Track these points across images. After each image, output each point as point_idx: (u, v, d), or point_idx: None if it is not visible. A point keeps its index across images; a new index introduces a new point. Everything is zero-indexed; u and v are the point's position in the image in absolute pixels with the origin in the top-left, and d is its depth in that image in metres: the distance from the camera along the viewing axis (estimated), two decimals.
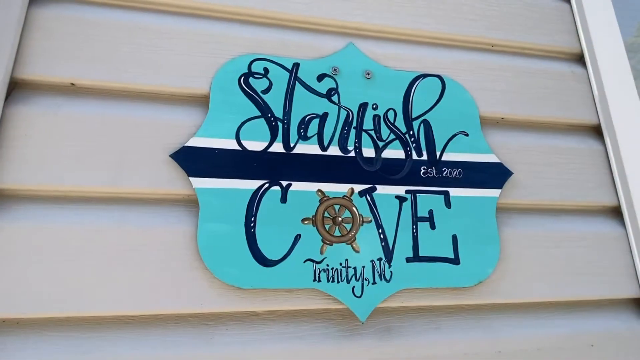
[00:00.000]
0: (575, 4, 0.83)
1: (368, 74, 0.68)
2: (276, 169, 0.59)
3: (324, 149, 0.62)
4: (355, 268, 0.57)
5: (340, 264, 0.56)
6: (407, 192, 0.62)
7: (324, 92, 0.65)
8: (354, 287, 0.56)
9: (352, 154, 0.63)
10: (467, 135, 0.68)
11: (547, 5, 0.82)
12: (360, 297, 0.56)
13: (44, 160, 0.52)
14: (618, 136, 0.73)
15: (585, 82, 0.78)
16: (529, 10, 0.80)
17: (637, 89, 1.07)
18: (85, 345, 0.48)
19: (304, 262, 0.55)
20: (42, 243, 0.50)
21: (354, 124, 0.64)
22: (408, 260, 0.59)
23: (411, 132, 0.66)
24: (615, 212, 0.71)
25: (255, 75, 0.63)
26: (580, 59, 0.81)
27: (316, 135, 0.62)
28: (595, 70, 0.78)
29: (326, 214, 0.59)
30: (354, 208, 0.60)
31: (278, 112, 0.62)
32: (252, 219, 0.56)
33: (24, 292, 0.48)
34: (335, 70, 0.67)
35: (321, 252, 0.56)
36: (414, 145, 0.65)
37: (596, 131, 0.76)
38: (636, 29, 1.36)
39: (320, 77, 0.66)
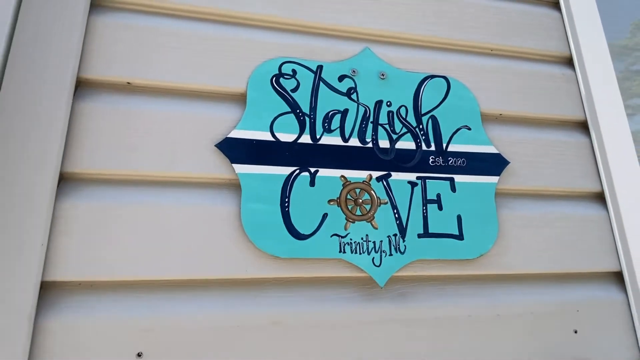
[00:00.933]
0: (565, 13, 0.92)
1: (382, 74, 0.77)
2: (305, 157, 0.68)
3: (345, 140, 0.71)
4: (374, 242, 0.66)
5: (362, 239, 0.66)
6: (417, 178, 0.72)
7: (345, 91, 0.74)
8: (373, 258, 0.65)
9: (370, 145, 0.72)
10: (469, 129, 0.77)
11: (540, 14, 0.91)
12: (379, 266, 0.65)
13: (109, 148, 0.61)
14: (602, 130, 0.83)
15: (574, 83, 0.88)
16: (524, 18, 0.90)
17: (633, 89, 1.16)
18: (149, 305, 0.57)
19: (331, 236, 0.65)
20: (110, 219, 0.58)
21: (371, 119, 0.74)
22: (419, 236, 0.68)
23: (421, 126, 0.75)
24: (599, 197, 0.81)
25: (285, 76, 0.72)
26: (569, 62, 0.90)
27: (338, 129, 0.71)
28: (583, 72, 0.87)
29: (348, 196, 0.68)
30: (372, 191, 0.69)
31: (305, 108, 0.71)
32: (286, 200, 0.65)
33: (96, 259, 0.57)
34: (353, 71, 0.76)
35: (345, 228, 0.66)
36: (423, 137, 0.75)
37: (583, 126, 0.86)
38: (629, 31, 1.45)
39: (341, 78, 0.75)
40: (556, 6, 0.94)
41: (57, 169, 0.57)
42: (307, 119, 0.70)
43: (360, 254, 0.65)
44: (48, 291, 0.55)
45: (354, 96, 0.74)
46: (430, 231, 0.69)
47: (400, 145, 0.73)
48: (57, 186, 0.57)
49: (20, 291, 0.52)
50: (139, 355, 0.54)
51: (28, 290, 0.52)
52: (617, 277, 0.77)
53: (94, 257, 0.56)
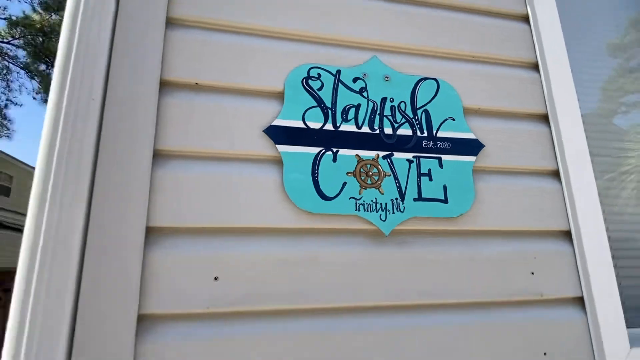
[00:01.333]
0: (532, 27, 1.14)
1: (387, 77, 0.99)
2: (328, 140, 0.90)
3: (358, 127, 0.93)
4: (381, 203, 0.88)
5: (372, 201, 0.88)
6: (413, 157, 0.94)
7: (358, 90, 0.96)
8: (380, 214, 0.87)
9: (377, 131, 0.94)
10: (454, 119, 0.99)
11: (512, 27, 1.13)
12: (384, 221, 0.87)
13: (189, 131, 0.83)
14: (559, 121, 1.05)
15: (538, 84, 1.10)
16: (499, 31, 1.12)
17: (626, 87, 1.36)
18: (222, 244, 0.79)
19: (349, 199, 0.87)
20: (192, 183, 0.80)
21: (378, 111, 0.95)
22: (414, 199, 0.90)
23: (416, 117, 0.97)
24: (555, 174, 1.04)
25: (312, 78, 0.94)
26: (535, 67, 1.12)
27: (353, 119, 0.93)
28: (546, 75, 1.09)
29: (361, 170, 0.90)
30: (379, 166, 0.91)
31: (328, 103, 0.93)
32: (316, 172, 0.87)
33: (185, 207, 0.78)
34: (364, 75, 0.97)
35: (359, 193, 0.88)
36: (418, 126, 0.97)
37: (544, 118, 1.08)
38: (624, 28, 1.62)
39: (355, 80, 0.97)
40: (526, 20, 1.16)
41: (152, 147, 0.79)
42: (330, 111, 0.92)
43: (370, 212, 0.87)
44: (151, 234, 0.77)
45: (364, 94, 0.96)
46: (423, 196, 0.91)
47: (400, 132, 0.95)
48: (153, 159, 0.79)
49: (133, 233, 0.74)
50: (215, 279, 0.76)
51: (138, 232, 0.74)
52: (566, 235, 0.99)
53: (183, 207, 0.78)
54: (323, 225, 0.85)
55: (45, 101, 12.12)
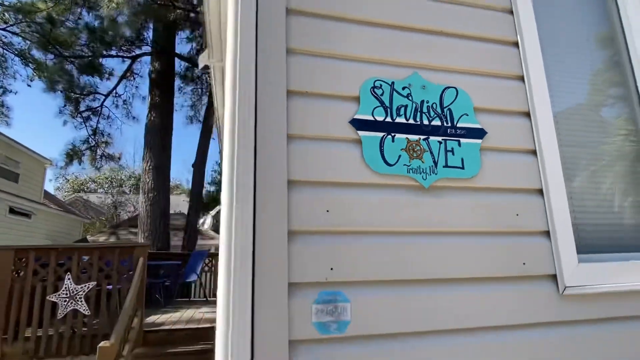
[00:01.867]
0: (521, 50, 1.64)
1: (423, 86, 1.48)
2: (388, 128, 1.40)
3: (407, 120, 1.43)
4: (423, 168, 1.38)
5: (417, 167, 1.38)
6: (442, 139, 1.44)
7: (405, 95, 1.45)
8: (422, 175, 1.37)
9: (419, 123, 1.44)
10: (467, 115, 1.49)
11: (507, 51, 1.63)
12: (425, 179, 1.37)
13: (305, 122, 1.31)
14: (537, 117, 1.56)
15: (523, 91, 1.60)
16: (499, 53, 1.61)
17: (614, 79, 1.85)
18: (334, 190, 1.28)
19: (403, 165, 1.37)
20: (317, 160, 1.29)
21: (419, 110, 1.45)
22: (443, 166, 1.41)
23: (443, 113, 1.47)
24: (533, 152, 1.54)
25: (376, 87, 1.43)
26: (521, 79, 1.62)
27: (403, 114, 1.43)
28: (529, 85, 1.60)
29: (409, 147, 1.40)
30: (421, 145, 1.41)
31: (387, 104, 1.42)
32: (382, 147, 1.36)
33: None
34: (409, 85, 1.47)
35: (409, 162, 1.38)
36: (444, 119, 1.47)
37: (527, 115, 1.59)
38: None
39: (403, 88, 1.46)
40: (516, 45, 1.66)
41: (285, 132, 1.27)
42: (388, 109, 1.42)
43: (416, 174, 1.37)
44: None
45: (410, 98, 1.45)
46: (448, 165, 1.42)
47: (433, 123, 1.45)
48: (287, 143, 1.28)
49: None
50: (327, 210, 1.26)
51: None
52: (539, 192, 1.51)
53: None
54: (387, 182, 1.35)
55: (45, 89, 12.37)
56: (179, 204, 20.95)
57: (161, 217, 10.71)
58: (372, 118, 1.39)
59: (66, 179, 28.19)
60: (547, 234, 1.47)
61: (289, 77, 1.34)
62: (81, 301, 5.26)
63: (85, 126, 12.11)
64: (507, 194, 1.47)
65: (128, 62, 11.69)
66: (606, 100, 1.88)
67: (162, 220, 10.71)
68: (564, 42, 1.84)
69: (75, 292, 5.24)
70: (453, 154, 1.44)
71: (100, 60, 11.11)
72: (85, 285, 5.30)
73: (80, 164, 12.14)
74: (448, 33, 1.58)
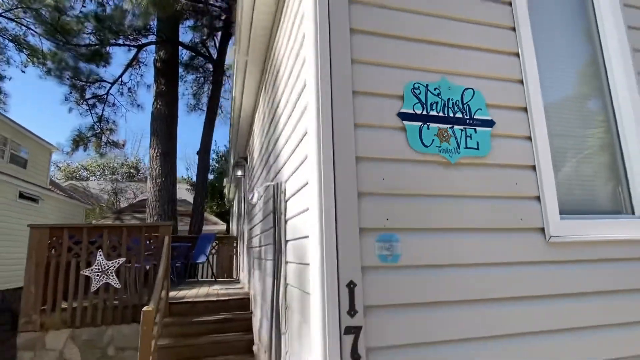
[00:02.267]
0: (520, 59, 2.14)
1: (449, 87, 1.97)
2: (424, 119, 1.89)
3: (438, 113, 1.92)
4: (450, 149, 1.88)
5: (445, 148, 1.88)
6: (463, 128, 1.94)
7: (436, 94, 1.95)
8: (449, 154, 1.87)
9: (446, 115, 1.93)
10: (481, 109, 1.99)
11: (511, 60, 2.13)
12: (451, 157, 1.88)
13: (361, 115, 1.80)
14: (532, 112, 2.07)
15: (522, 92, 2.10)
16: (505, 62, 2.11)
17: (593, 84, 2.36)
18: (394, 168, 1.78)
19: (435, 146, 1.87)
20: (375, 142, 1.78)
21: (446, 105, 1.95)
22: (465, 148, 1.91)
23: (464, 108, 1.97)
24: (529, 138, 2.06)
25: (415, 88, 1.92)
26: (521, 82, 2.12)
27: (435, 109, 1.92)
28: (526, 87, 2.10)
29: (440, 134, 1.90)
30: (448, 132, 1.91)
31: (423, 101, 1.91)
32: (420, 133, 1.86)
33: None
34: (439, 86, 1.96)
35: (440, 144, 1.88)
36: (465, 113, 1.97)
37: (525, 110, 2.09)
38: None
39: (434, 89, 1.95)
40: (517, 55, 2.15)
41: (353, 122, 1.76)
42: (424, 105, 1.91)
43: (445, 153, 1.87)
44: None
45: (440, 96, 1.95)
46: (468, 147, 1.92)
47: (456, 115, 1.95)
48: (354, 130, 1.76)
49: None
50: (383, 178, 1.76)
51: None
52: (533, 168, 2.02)
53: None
54: (424, 159, 1.85)
55: (44, 73, 12.53)
56: (177, 191, 21.25)
57: (169, 202, 11.12)
58: (412, 111, 1.88)
59: (58, 166, 28.20)
60: (538, 198, 1.99)
61: (354, 81, 1.82)
62: (112, 275, 5.72)
63: (91, 113, 12.35)
64: (509, 168, 1.98)
65: (134, 50, 11.91)
66: (585, 98, 2.40)
67: (170, 205, 11.12)
68: (554, 53, 2.34)
69: (106, 267, 5.70)
70: (471, 138, 1.94)
71: (108, 49, 11.32)
72: (116, 261, 5.76)
73: (85, 150, 12.41)
74: (467, 46, 2.06)
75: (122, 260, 5.78)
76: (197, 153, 12.24)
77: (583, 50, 2.43)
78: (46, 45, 10.98)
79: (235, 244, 10.83)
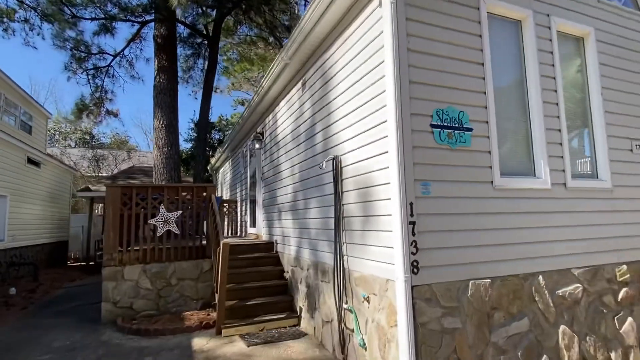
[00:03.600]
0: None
1: (452, 111, 3.95)
2: (441, 127, 3.87)
3: (447, 124, 3.90)
4: (452, 142, 3.88)
5: (450, 142, 3.88)
6: (458, 132, 3.95)
7: (446, 114, 3.92)
8: (452, 144, 3.88)
9: (451, 125, 3.92)
10: (466, 122, 4.00)
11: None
12: (454, 146, 3.88)
13: (412, 128, 3.74)
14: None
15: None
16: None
17: (521, 90, 4.45)
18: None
19: (446, 141, 3.86)
20: (419, 139, 3.72)
21: (451, 120, 3.93)
22: (459, 142, 3.92)
23: (459, 121, 3.97)
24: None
25: (437, 111, 3.87)
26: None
27: (446, 122, 3.90)
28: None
29: (449, 134, 3.89)
30: (452, 134, 3.90)
31: (440, 117, 3.88)
32: (440, 134, 3.83)
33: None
34: (447, 111, 3.93)
35: (448, 140, 3.87)
36: (459, 124, 3.96)
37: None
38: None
39: (445, 112, 3.92)
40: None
41: (410, 128, 3.69)
42: (441, 120, 3.88)
43: (450, 144, 3.87)
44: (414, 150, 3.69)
45: (447, 115, 3.92)
46: (461, 141, 3.93)
47: (455, 125, 3.95)
48: (411, 133, 3.69)
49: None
50: (423, 155, 3.73)
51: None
52: (489, 152, 4.09)
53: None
54: (442, 146, 3.83)
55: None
56: None
57: (175, 169, 12.47)
58: (436, 123, 3.83)
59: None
60: (490, 167, 4.07)
61: (411, 107, 3.72)
62: (172, 224, 7.40)
63: (89, 83, 13.03)
64: (479, 152, 4.02)
65: (137, 26, 12.62)
66: (516, 111, 4.50)
67: (176, 172, 12.48)
68: (502, 90, 4.38)
69: (167, 218, 7.36)
70: (462, 137, 3.94)
71: (114, 24, 11.98)
72: (174, 213, 7.42)
73: (88, 117, 13.13)
74: (460, 88, 4.03)
75: (179, 212, 7.42)
76: (196, 124, 13.49)
77: (518, 86, 4.51)
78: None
79: (235, 207, 12.51)
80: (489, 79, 4.18)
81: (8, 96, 11.14)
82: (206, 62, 13.66)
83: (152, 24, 13.10)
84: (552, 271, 4.27)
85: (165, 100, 12.57)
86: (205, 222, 7.94)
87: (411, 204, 3.58)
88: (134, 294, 7.01)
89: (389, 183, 3.76)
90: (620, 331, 4.60)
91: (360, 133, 4.40)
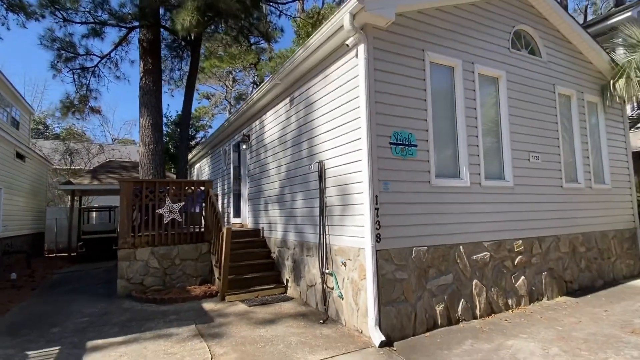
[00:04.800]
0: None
1: (404, 132, 5.76)
2: (396, 144, 5.65)
3: (400, 142, 5.70)
4: (403, 154, 5.69)
5: (402, 154, 5.68)
6: (407, 147, 5.76)
7: (400, 135, 5.72)
8: (403, 155, 5.68)
9: (403, 143, 5.72)
10: (413, 140, 5.83)
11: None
12: (405, 157, 5.68)
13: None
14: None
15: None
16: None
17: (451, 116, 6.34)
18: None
19: (400, 154, 5.65)
20: (382, 152, 5.48)
21: (403, 139, 5.73)
22: (408, 154, 5.73)
23: (408, 140, 5.78)
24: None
25: (394, 133, 5.65)
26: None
27: (400, 140, 5.69)
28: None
29: (401, 149, 5.68)
30: (403, 148, 5.71)
31: (397, 137, 5.67)
32: (395, 149, 5.62)
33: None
34: (400, 132, 5.73)
35: (402, 152, 5.67)
36: (408, 142, 5.77)
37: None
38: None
39: (400, 133, 5.71)
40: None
41: (376, 144, 5.44)
42: (397, 139, 5.67)
43: (402, 156, 5.67)
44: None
45: (401, 135, 5.72)
46: (409, 154, 5.75)
47: (405, 143, 5.76)
48: (376, 145, 5.45)
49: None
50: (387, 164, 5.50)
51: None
52: (428, 162, 5.95)
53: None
54: (396, 157, 5.63)
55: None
56: None
57: (160, 165, 13.56)
58: (393, 141, 5.60)
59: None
60: (429, 171, 5.92)
61: (377, 130, 5.46)
62: (176, 213, 8.78)
63: (74, 81, 13.72)
64: (421, 162, 5.86)
65: (124, 30, 13.45)
66: (447, 133, 6.39)
67: (161, 167, 13.58)
68: (439, 118, 6.25)
69: (172, 208, 8.73)
70: (410, 150, 5.74)
71: (103, 29, 12.77)
72: (178, 204, 8.80)
73: (74, 114, 13.79)
74: (411, 117, 5.83)
75: (182, 204, 8.79)
76: (178, 125, 14.62)
77: (449, 114, 6.41)
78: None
79: (217, 199, 13.82)
80: (429, 110, 6.03)
81: (2, 93, 11.70)
82: (188, 66, 14.75)
83: (138, 29, 14.04)
84: (470, 243, 6.23)
85: (151, 101, 13.57)
86: (203, 212, 9.33)
87: (376, 196, 5.34)
88: (144, 272, 8.31)
89: (361, 182, 5.49)
90: (515, 285, 6.68)
91: (340, 145, 6.11)
